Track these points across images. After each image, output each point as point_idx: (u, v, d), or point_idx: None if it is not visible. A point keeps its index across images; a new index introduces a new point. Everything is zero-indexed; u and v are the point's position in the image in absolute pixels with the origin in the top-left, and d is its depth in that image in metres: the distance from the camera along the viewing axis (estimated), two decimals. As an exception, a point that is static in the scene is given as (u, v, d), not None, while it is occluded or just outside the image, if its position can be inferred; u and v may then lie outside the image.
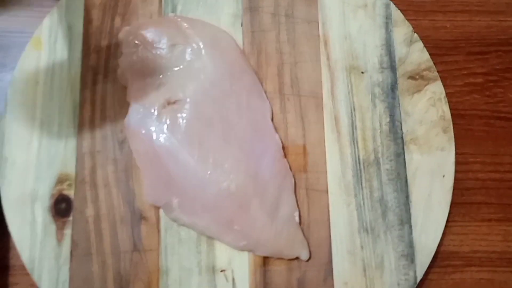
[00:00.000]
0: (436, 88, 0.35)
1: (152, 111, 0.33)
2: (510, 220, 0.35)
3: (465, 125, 0.36)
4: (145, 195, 0.32)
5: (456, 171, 0.34)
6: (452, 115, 0.35)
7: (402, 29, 0.36)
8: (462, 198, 0.35)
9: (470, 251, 0.34)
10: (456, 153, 0.34)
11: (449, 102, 0.35)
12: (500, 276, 0.34)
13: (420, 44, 0.36)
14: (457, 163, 0.34)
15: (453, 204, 0.34)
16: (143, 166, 0.33)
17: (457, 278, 0.34)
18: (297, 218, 0.32)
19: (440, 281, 0.34)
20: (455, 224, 0.34)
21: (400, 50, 0.36)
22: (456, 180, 0.34)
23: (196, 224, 0.32)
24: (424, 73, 0.36)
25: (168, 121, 0.32)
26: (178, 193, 0.32)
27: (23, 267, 0.32)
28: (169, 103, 0.33)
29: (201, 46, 0.34)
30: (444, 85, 0.36)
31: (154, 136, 0.32)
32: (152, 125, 0.32)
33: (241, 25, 0.36)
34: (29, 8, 0.37)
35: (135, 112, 0.33)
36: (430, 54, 0.36)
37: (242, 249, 0.32)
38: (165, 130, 0.32)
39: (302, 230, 0.32)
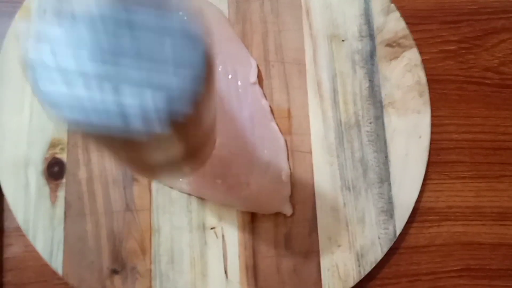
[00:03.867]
0: (412, 55, 0.35)
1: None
2: (481, 177, 0.35)
3: (440, 89, 0.36)
4: None
5: (432, 133, 0.34)
6: (428, 80, 0.35)
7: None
8: (438, 158, 0.35)
9: (445, 206, 0.34)
10: (432, 116, 0.35)
11: (425, 68, 0.35)
12: (472, 228, 0.34)
13: (396, 14, 0.36)
14: (433, 125, 0.35)
15: (429, 163, 0.34)
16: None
17: (433, 231, 0.34)
18: (283, 177, 0.32)
19: (418, 235, 0.34)
20: (432, 182, 0.35)
21: (378, 19, 0.36)
22: (432, 141, 0.34)
23: (174, 181, 0.31)
24: (401, 41, 0.36)
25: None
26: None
27: (17, 229, 0.31)
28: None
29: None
30: (420, 52, 0.36)
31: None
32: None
33: (227, -4, 0.35)
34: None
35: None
36: (406, 23, 0.36)
37: (223, 203, 0.31)
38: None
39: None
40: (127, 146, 0.14)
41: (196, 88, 0.13)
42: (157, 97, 0.12)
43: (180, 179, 0.30)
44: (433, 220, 0.34)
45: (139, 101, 0.12)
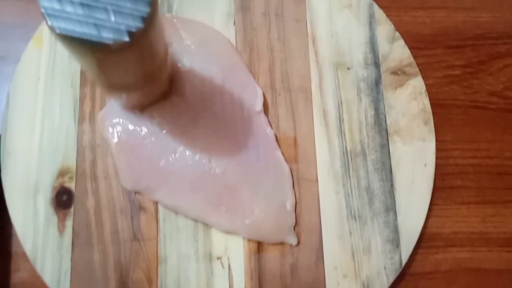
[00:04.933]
0: (417, 83, 0.35)
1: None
2: (487, 202, 0.34)
3: (444, 114, 0.36)
4: (122, 181, 0.31)
5: (437, 158, 0.34)
6: (432, 105, 0.35)
7: (385, 27, 0.36)
8: (443, 183, 0.34)
9: (451, 232, 0.34)
10: (437, 140, 0.34)
11: (429, 92, 0.35)
12: (478, 255, 0.33)
13: (401, 42, 0.36)
14: (437, 149, 0.34)
15: (434, 189, 0.34)
16: (117, 152, 0.31)
17: (439, 258, 0.33)
18: (288, 206, 0.31)
19: (423, 261, 0.33)
20: (437, 207, 0.34)
21: (383, 47, 0.35)
22: (437, 166, 0.34)
23: (180, 206, 0.31)
24: (406, 68, 0.35)
25: (155, 114, 0.32)
26: (160, 177, 0.31)
27: (24, 254, 0.30)
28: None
29: (192, 47, 0.33)
30: (424, 77, 0.35)
31: (136, 127, 0.32)
32: (135, 118, 0.32)
33: (234, 24, 0.35)
34: (32, 2, 0.35)
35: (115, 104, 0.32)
36: (411, 48, 0.35)
37: (228, 230, 0.31)
38: (149, 124, 0.31)
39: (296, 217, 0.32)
40: (101, 54, 0.20)
41: (145, 10, 0.19)
42: (119, 15, 0.19)
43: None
44: (439, 246, 0.33)
45: (107, 17, 0.19)
